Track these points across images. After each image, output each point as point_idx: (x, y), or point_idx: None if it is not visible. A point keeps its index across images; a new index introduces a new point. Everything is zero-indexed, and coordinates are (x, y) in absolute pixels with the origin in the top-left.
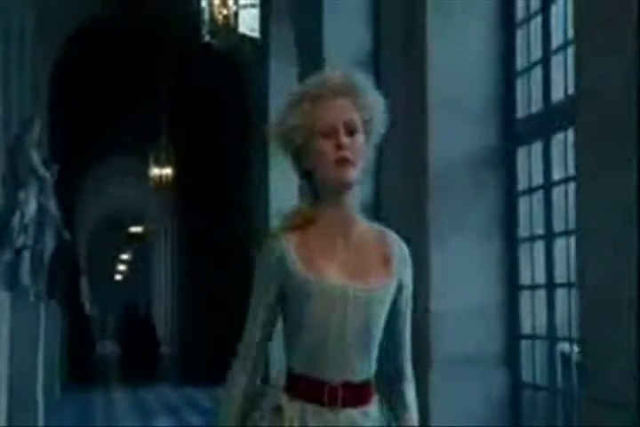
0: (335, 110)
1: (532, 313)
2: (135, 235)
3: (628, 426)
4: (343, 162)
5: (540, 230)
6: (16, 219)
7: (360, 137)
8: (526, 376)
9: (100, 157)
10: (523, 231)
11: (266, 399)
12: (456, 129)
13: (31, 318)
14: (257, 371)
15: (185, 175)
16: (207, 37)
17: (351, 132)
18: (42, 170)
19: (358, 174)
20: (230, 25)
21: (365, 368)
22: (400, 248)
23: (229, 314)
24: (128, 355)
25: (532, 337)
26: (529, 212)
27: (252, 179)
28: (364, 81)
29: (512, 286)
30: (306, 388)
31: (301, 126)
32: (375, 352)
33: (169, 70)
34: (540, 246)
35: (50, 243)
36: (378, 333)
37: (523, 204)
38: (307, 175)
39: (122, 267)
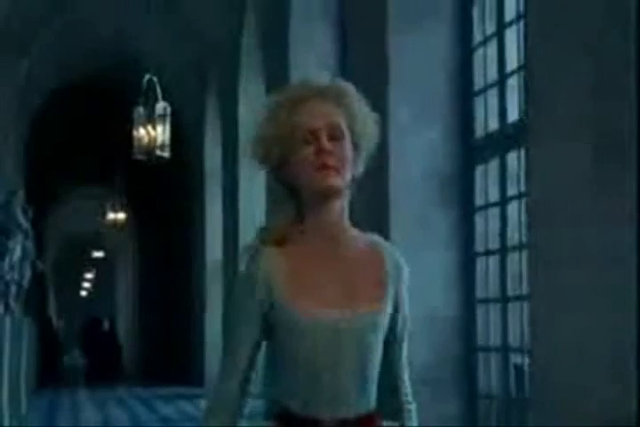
0: (318, 113)
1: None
2: (97, 258)
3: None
4: (324, 169)
5: None
6: (7, 261)
7: (346, 144)
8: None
9: (66, 189)
10: None
11: None
12: None
13: (17, 332)
14: (235, 415)
15: (136, 219)
16: (136, 155)
17: (336, 137)
18: (25, 224)
19: (344, 182)
20: (149, 148)
21: (364, 403)
22: (394, 262)
23: (182, 327)
24: (92, 364)
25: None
26: None
27: (192, 222)
28: (352, 88)
29: None
30: None
31: (280, 136)
32: (373, 384)
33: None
34: None
35: (27, 273)
36: (375, 363)
37: None
38: (291, 193)
39: (86, 284)
